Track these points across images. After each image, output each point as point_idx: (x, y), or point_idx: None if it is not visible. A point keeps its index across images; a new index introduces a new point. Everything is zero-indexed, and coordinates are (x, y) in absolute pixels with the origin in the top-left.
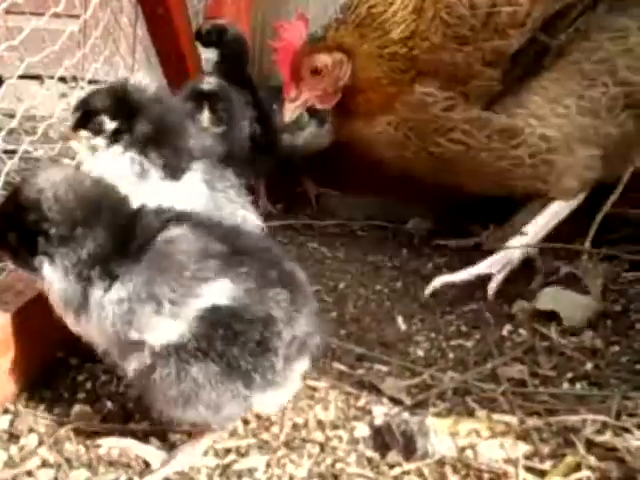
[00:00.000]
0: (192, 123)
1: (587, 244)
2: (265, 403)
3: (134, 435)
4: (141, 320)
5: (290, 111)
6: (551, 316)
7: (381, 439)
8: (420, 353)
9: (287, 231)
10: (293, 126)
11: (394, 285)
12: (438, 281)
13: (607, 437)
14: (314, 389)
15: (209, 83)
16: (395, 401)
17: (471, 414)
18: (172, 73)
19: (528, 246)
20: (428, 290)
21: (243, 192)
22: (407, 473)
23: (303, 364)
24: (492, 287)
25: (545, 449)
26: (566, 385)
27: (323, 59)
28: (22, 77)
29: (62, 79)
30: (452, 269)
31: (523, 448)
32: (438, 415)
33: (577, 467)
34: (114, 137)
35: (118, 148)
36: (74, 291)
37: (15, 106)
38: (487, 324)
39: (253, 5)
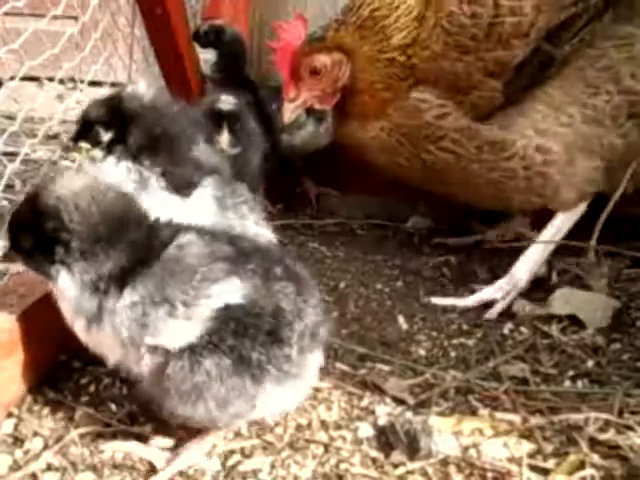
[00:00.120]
0: (199, 132)
1: (593, 242)
2: (284, 397)
3: (138, 437)
4: (156, 324)
5: (289, 111)
6: (573, 319)
7: (385, 439)
8: (422, 352)
9: (287, 231)
10: (291, 126)
11: (395, 284)
12: (442, 301)
13: (610, 435)
14: (317, 389)
15: (228, 103)
16: (398, 401)
17: (474, 413)
18: (170, 73)
19: (531, 243)
20: (434, 300)
21: (256, 207)
22: (411, 473)
23: (317, 357)
24: (492, 313)
25: (548, 447)
26: (568, 383)
27: (322, 59)
28: (20, 79)
29: (60, 80)
30: (452, 268)
31: (527, 447)
32: (441, 414)
33: (581, 465)
34: (109, 147)
35: (113, 158)
36: (90, 303)
37: (13, 108)
38: (488, 322)
39: (251, 5)
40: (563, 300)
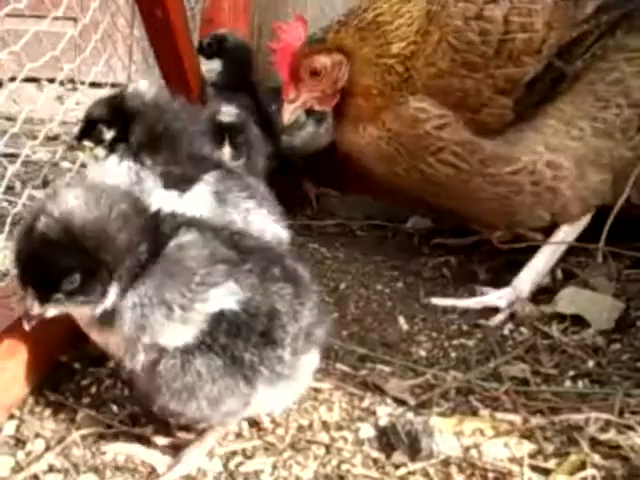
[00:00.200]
0: (200, 130)
1: (601, 244)
2: (277, 398)
3: (140, 439)
4: (154, 326)
5: (289, 112)
6: (575, 319)
7: (386, 440)
8: (422, 353)
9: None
10: (291, 126)
11: (395, 285)
12: (442, 301)
13: (611, 435)
14: (318, 390)
15: (229, 115)
16: (399, 401)
17: (475, 413)
18: (170, 74)
19: (538, 243)
20: (434, 300)
21: (266, 202)
22: (412, 473)
23: (312, 358)
24: (495, 320)
25: (549, 448)
26: (568, 383)
27: (322, 60)
28: (20, 80)
29: (60, 82)
30: (452, 269)
31: (527, 447)
32: (442, 415)
33: (582, 465)
34: (112, 146)
35: (116, 157)
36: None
37: (13, 109)
38: (488, 323)
39: (251, 7)
40: (568, 300)
